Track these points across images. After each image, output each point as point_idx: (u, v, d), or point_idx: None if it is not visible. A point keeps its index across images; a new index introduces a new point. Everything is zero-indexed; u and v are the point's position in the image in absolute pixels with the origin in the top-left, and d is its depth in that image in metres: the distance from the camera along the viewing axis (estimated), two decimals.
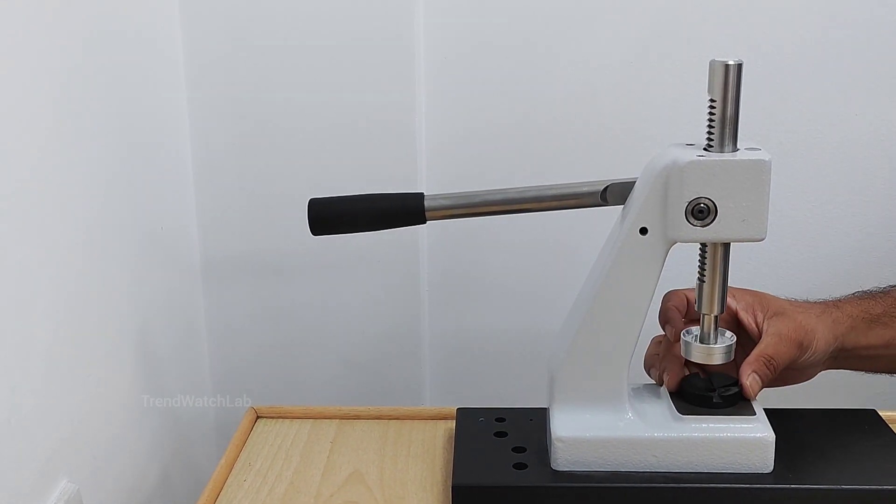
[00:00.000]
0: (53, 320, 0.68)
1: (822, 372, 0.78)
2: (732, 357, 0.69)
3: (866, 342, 0.75)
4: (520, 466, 0.71)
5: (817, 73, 0.93)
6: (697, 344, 0.69)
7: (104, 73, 0.76)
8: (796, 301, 0.75)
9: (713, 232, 0.64)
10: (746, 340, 0.73)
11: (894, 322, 0.75)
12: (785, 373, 0.73)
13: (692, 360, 0.70)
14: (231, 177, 0.96)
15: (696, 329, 0.70)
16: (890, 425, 0.77)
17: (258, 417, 0.85)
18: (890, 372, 0.78)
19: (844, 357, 0.75)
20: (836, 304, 0.77)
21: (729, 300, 0.71)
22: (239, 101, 0.94)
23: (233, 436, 0.81)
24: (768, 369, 0.69)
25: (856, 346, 0.75)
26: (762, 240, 0.64)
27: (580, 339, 0.69)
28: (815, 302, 0.76)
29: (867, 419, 0.77)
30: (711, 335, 0.69)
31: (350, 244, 0.95)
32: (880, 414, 0.78)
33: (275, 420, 0.85)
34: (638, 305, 0.68)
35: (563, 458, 0.70)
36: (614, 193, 0.68)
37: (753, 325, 0.72)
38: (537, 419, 0.76)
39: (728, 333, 0.70)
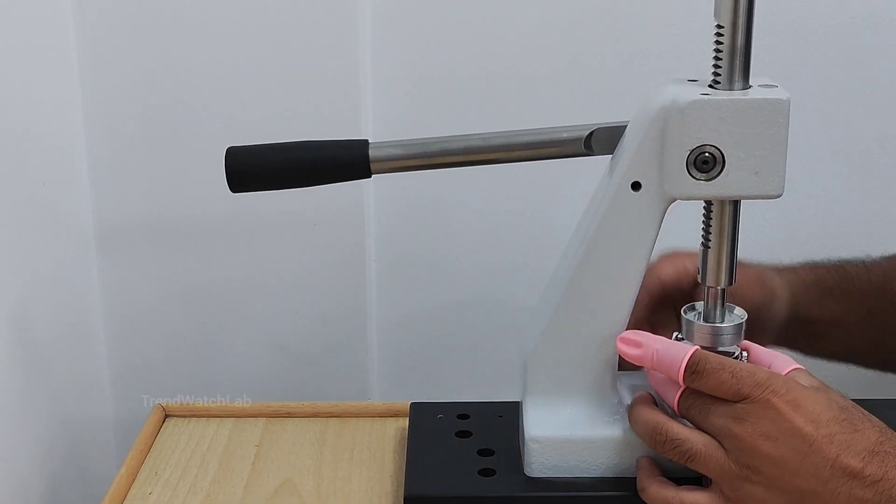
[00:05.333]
0: None
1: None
2: (742, 339, 0.70)
3: (818, 314, 0.80)
4: (487, 473, 0.72)
5: None
6: (702, 323, 0.69)
7: None
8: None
9: (720, 187, 0.64)
10: None
11: (845, 297, 0.80)
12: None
13: (695, 342, 0.70)
14: (131, 120, 0.95)
15: (699, 304, 0.70)
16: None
17: (167, 416, 0.85)
18: (829, 357, 0.84)
19: (797, 330, 0.80)
20: (791, 267, 0.83)
21: (689, 260, 0.75)
22: (139, 27, 0.92)
23: (136, 439, 0.81)
24: None
25: (808, 318, 0.80)
26: (779, 196, 0.65)
27: (559, 318, 0.69)
28: (770, 264, 0.82)
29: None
30: (718, 312, 0.69)
31: (280, 206, 0.95)
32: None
33: (187, 419, 0.85)
34: (629, 277, 0.68)
35: (539, 463, 0.70)
36: (601, 140, 0.68)
37: None
38: (507, 416, 0.77)
39: (738, 310, 0.70)
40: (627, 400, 0.71)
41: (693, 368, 0.64)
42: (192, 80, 0.93)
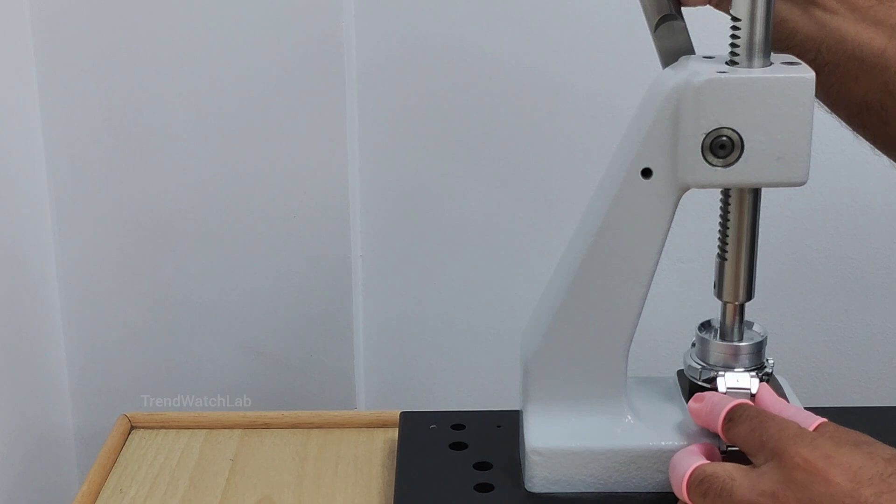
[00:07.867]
0: None
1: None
2: (764, 357, 0.70)
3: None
4: (484, 488, 0.72)
5: None
6: (718, 342, 0.69)
7: None
8: None
9: (738, 173, 0.64)
10: None
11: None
12: None
13: (709, 363, 0.70)
14: (91, 98, 0.95)
15: (714, 321, 0.71)
16: None
17: (133, 427, 0.85)
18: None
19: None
20: None
21: None
22: (99, 10, 0.92)
23: (98, 453, 0.81)
24: None
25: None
26: (803, 183, 0.65)
27: (563, 318, 0.69)
28: None
29: None
30: (735, 329, 0.70)
31: (258, 195, 0.94)
32: None
33: (155, 431, 0.85)
34: (639, 272, 0.68)
35: (541, 477, 0.70)
36: (665, 37, 0.66)
37: None
38: (506, 425, 0.77)
39: (757, 327, 0.71)
40: (639, 407, 0.71)
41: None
42: (156, 53, 0.93)
